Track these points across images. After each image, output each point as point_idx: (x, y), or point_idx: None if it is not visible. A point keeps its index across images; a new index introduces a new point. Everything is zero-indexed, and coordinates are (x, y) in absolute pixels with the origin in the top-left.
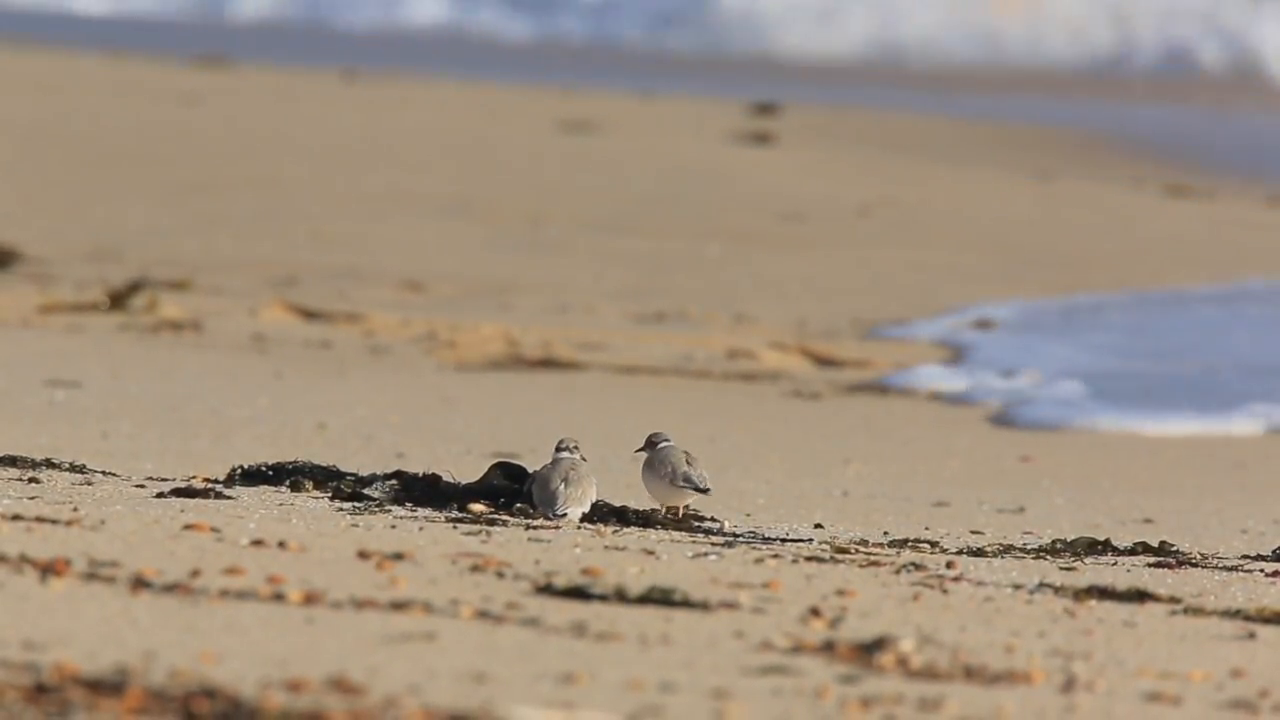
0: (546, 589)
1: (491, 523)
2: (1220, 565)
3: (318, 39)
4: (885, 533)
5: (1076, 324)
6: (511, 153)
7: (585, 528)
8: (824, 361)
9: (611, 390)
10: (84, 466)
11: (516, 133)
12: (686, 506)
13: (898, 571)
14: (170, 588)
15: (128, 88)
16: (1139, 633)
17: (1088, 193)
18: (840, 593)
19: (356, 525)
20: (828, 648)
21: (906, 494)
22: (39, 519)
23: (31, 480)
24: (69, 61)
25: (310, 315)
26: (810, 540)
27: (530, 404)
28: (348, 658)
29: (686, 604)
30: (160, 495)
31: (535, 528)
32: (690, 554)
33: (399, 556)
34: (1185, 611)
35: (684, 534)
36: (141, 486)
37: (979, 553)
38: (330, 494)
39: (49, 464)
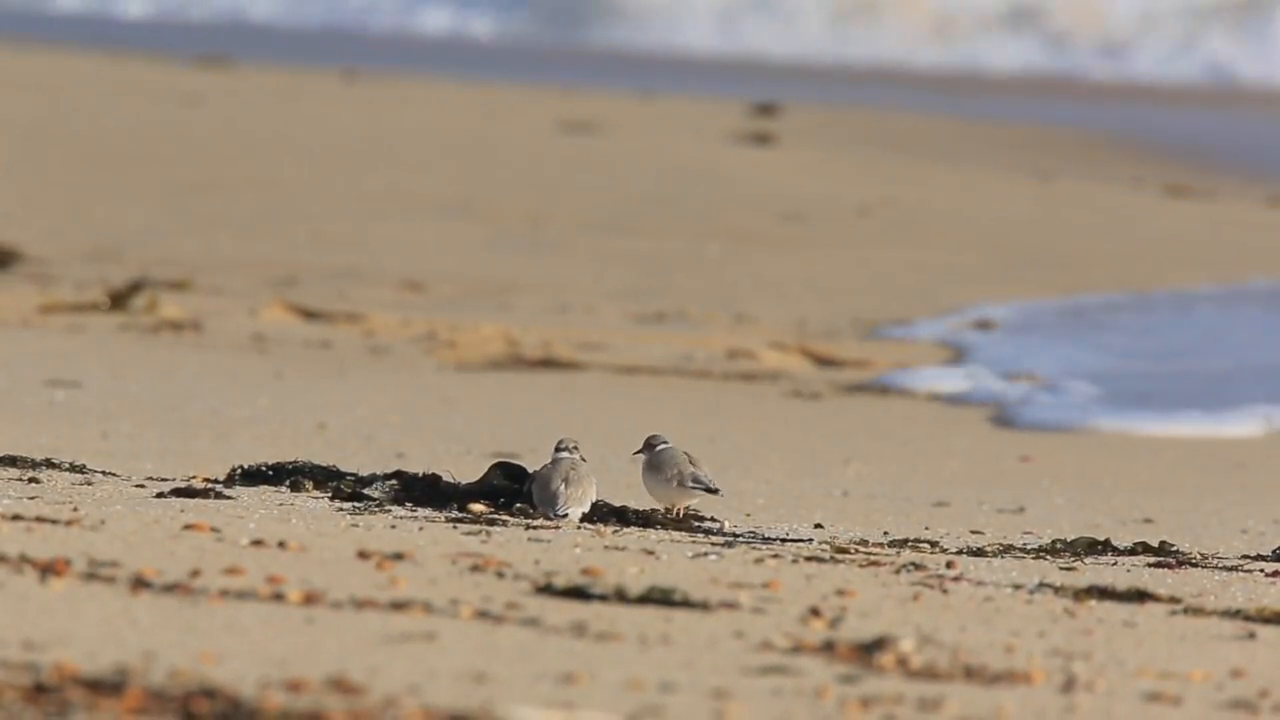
0: (546, 589)
1: (491, 523)
2: (1220, 565)
3: (318, 39)
4: (885, 533)
5: (1077, 324)
6: (511, 153)
7: (585, 528)
8: (824, 361)
9: (611, 390)
10: (84, 466)
11: (516, 133)
12: (687, 507)
13: (898, 571)
14: (170, 588)
15: (128, 88)
16: (1139, 633)
17: (1088, 193)
18: (840, 593)
19: (356, 525)
20: (828, 648)
21: (906, 494)
22: (39, 519)
23: (31, 480)
24: (69, 61)
25: (310, 315)
26: (810, 540)
27: (530, 404)
28: (348, 658)
29: (686, 604)
30: (160, 495)
31: (535, 528)
32: (690, 554)
33: (399, 556)
34: (1185, 611)
35: (684, 534)
36: (141, 486)
37: (979, 553)
38: (330, 494)
39: (49, 464)
